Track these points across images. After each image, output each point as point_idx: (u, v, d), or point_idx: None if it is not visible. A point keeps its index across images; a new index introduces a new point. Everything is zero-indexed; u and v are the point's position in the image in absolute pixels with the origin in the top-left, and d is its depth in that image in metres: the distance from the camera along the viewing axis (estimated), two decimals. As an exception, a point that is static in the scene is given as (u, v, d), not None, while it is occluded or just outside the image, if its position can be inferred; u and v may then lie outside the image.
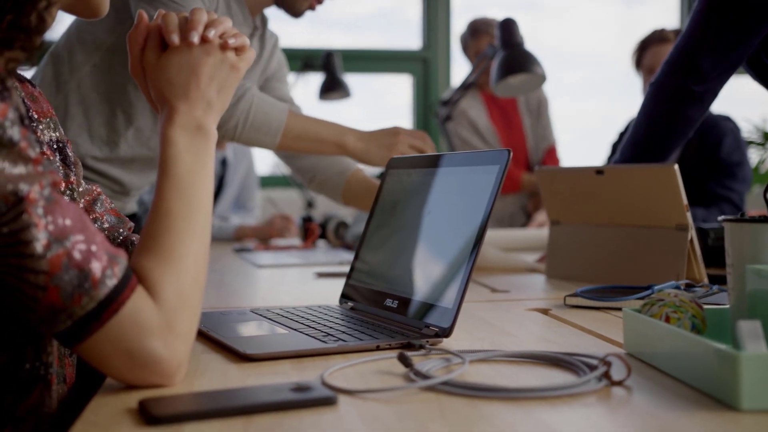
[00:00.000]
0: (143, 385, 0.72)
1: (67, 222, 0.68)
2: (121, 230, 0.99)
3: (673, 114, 1.61)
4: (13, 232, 0.65)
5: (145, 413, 0.63)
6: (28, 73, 1.78)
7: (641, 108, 1.67)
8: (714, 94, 1.62)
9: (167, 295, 0.73)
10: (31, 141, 0.68)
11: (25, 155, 0.67)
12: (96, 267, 0.69)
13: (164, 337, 0.71)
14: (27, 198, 0.66)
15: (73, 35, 1.63)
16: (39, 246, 0.66)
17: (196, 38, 0.83)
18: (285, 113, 1.56)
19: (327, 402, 0.66)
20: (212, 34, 0.83)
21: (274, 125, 1.53)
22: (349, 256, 2.07)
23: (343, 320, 1.03)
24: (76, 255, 0.68)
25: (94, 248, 0.69)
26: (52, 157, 0.89)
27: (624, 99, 4.94)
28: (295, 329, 0.96)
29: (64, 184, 0.90)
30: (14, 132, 0.66)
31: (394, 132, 1.61)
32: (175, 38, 0.83)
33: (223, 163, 3.29)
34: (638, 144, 1.63)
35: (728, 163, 2.49)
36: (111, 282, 0.69)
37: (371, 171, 3.42)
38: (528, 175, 3.15)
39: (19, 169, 0.66)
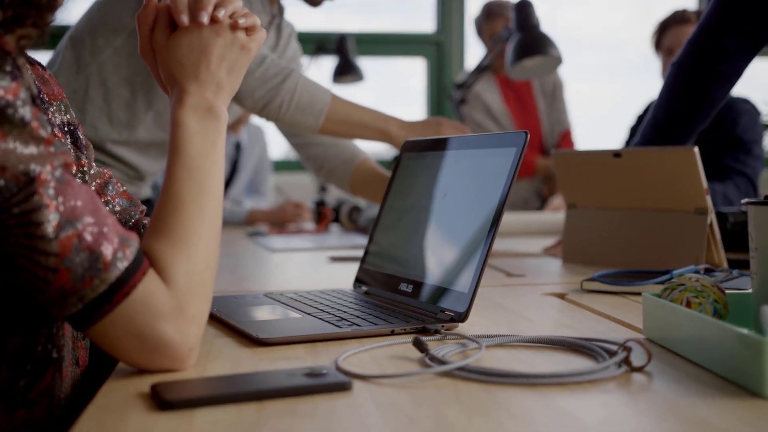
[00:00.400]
0: (155, 369, 0.71)
1: (78, 203, 0.67)
2: (133, 213, 0.98)
3: (696, 94, 1.58)
4: (24, 213, 0.65)
5: (157, 398, 0.62)
6: (45, 58, 1.78)
7: (663, 89, 1.63)
8: (738, 74, 1.58)
9: (179, 278, 0.72)
10: (43, 121, 0.68)
11: (37, 135, 0.66)
12: (107, 249, 0.68)
13: (176, 321, 0.70)
14: (38, 178, 0.65)
15: (95, 18, 1.63)
16: (50, 227, 0.65)
17: (205, 18, 0.81)
18: (329, 96, 1.54)
19: (341, 387, 0.65)
20: (222, 14, 0.82)
21: (318, 107, 1.52)
22: (362, 240, 2.06)
23: (357, 304, 1.01)
24: (87, 237, 0.67)
25: (105, 230, 0.68)
26: (63, 140, 0.88)
27: (640, 82, 4.89)
28: (308, 314, 0.95)
29: (75, 167, 0.89)
30: (26, 111, 0.66)
31: (437, 122, 1.59)
32: (185, 18, 0.81)
33: (237, 147, 3.29)
34: (659, 126, 1.60)
35: (744, 140, 2.47)
36: (122, 264, 0.68)
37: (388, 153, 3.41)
38: (542, 159, 3.12)
39: (31, 150, 0.65)
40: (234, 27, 0.82)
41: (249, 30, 0.84)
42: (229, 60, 0.82)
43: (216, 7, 0.82)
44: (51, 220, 0.65)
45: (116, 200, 0.97)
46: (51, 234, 0.65)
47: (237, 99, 1.49)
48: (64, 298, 0.67)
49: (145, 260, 0.71)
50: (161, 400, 0.61)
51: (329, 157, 1.79)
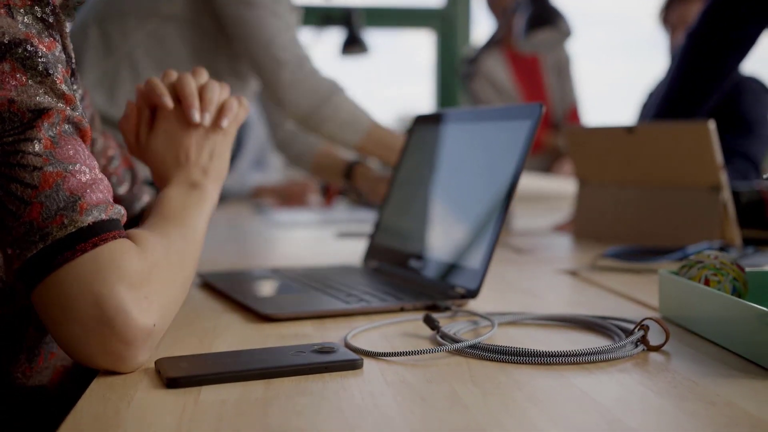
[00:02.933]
0: (97, 349, 0.61)
1: (78, 155, 0.64)
2: (136, 194, 0.98)
3: (710, 62, 1.54)
4: (15, 142, 0.61)
5: (162, 374, 0.61)
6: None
7: (678, 60, 1.60)
8: (752, 42, 1.55)
9: (153, 248, 0.66)
10: (68, 81, 0.66)
11: (57, 90, 0.64)
12: (89, 198, 0.63)
13: (138, 291, 0.62)
14: (43, 116, 0.63)
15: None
16: (36, 160, 0.61)
17: (197, 117, 0.81)
18: (370, 118, 1.59)
19: (352, 366, 0.63)
20: (207, 120, 0.82)
21: (359, 126, 1.56)
22: (369, 215, 2.04)
23: (365, 280, 1.00)
24: (73, 180, 0.62)
25: (94, 185, 0.64)
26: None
27: (648, 59, 4.84)
28: (316, 289, 0.94)
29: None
30: (52, 66, 0.64)
31: None
32: (168, 101, 0.82)
33: (242, 124, 3.25)
34: (672, 96, 1.57)
35: (746, 120, 2.42)
36: (99, 215, 0.63)
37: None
38: (549, 135, 3.09)
39: (48, 99, 0.64)
40: (215, 126, 0.83)
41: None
42: (208, 148, 0.82)
43: (200, 98, 0.82)
44: (40, 154, 0.61)
45: (121, 172, 0.96)
46: (35, 164, 0.61)
47: (283, 105, 1.54)
48: (27, 236, 0.61)
49: (124, 231, 0.66)
50: (166, 377, 0.60)
51: (294, 143, 1.93)
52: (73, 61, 0.69)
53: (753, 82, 2.48)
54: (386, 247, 1.09)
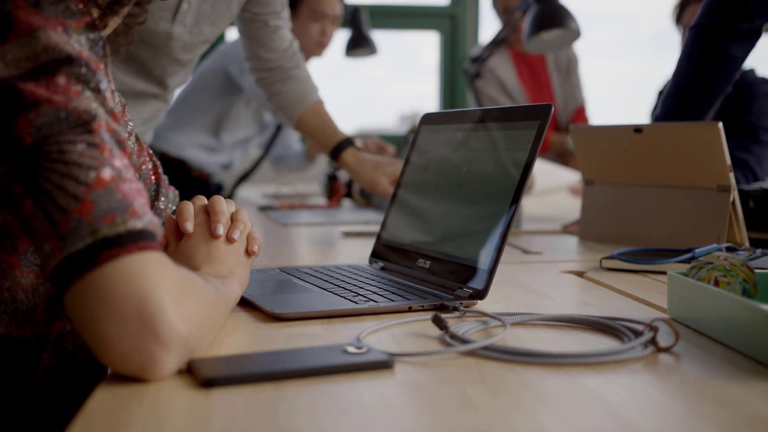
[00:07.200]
0: (133, 351, 0.60)
1: (128, 167, 0.66)
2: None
3: (717, 55, 1.51)
4: (74, 141, 0.63)
5: (198, 374, 0.60)
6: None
7: (682, 54, 1.56)
8: (758, 33, 1.53)
9: (188, 271, 0.68)
10: (113, 102, 0.69)
11: (107, 106, 0.67)
12: (139, 205, 0.64)
13: (179, 297, 0.62)
14: (97, 120, 0.65)
15: None
16: (92, 160, 0.63)
17: (221, 231, 0.82)
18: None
19: (384, 365, 0.63)
20: (236, 235, 0.83)
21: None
22: (375, 215, 2.04)
23: (373, 280, 1.00)
24: (125, 187, 0.64)
25: (140, 196, 0.66)
26: None
27: (654, 58, 4.84)
28: (324, 289, 0.94)
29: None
30: (104, 86, 0.68)
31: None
32: (189, 226, 0.82)
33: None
34: (682, 93, 1.54)
35: (755, 126, 2.40)
36: (147, 224, 0.64)
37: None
38: (556, 135, 3.08)
39: (101, 111, 0.66)
40: (248, 254, 0.85)
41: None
42: (234, 254, 0.83)
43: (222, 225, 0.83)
44: (95, 157, 0.63)
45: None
46: (91, 164, 0.63)
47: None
48: (74, 230, 0.61)
49: (162, 248, 0.67)
50: (202, 378, 0.59)
51: (284, 91, 1.75)
52: (113, 85, 0.72)
53: (765, 85, 2.45)
54: (393, 246, 1.09)
